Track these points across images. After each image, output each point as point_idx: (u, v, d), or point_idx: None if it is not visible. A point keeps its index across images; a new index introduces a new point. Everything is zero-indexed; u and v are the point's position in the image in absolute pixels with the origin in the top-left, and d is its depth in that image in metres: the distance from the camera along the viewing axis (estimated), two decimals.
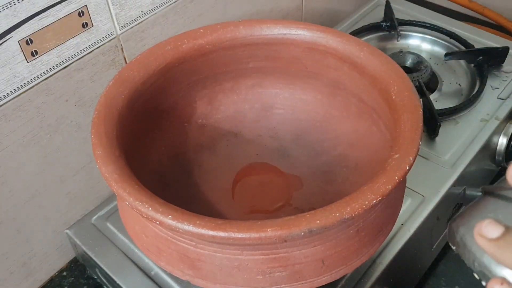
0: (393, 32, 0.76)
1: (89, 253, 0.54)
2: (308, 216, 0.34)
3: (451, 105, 0.64)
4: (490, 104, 0.65)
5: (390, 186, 0.36)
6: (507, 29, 0.84)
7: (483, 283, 0.28)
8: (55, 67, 0.48)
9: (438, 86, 0.69)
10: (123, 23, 0.52)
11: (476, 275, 0.29)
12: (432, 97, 0.67)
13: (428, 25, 0.75)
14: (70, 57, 0.49)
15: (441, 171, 0.58)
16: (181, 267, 0.40)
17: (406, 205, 0.55)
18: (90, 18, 0.49)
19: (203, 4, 0.60)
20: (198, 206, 0.50)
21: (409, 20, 0.77)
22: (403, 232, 0.53)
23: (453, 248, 0.29)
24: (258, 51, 0.51)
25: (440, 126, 0.62)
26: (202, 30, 0.49)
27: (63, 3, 0.46)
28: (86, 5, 0.48)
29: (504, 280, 0.24)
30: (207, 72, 0.52)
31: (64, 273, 0.59)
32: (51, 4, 0.45)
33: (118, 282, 0.51)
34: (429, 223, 0.55)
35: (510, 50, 0.70)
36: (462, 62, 0.72)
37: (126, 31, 0.53)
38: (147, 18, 0.55)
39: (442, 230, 0.59)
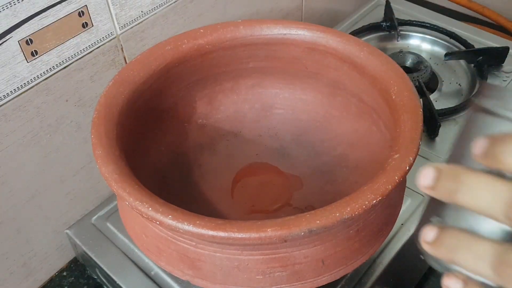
0: (393, 32, 0.76)
1: (89, 253, 0.54)
2: (308, 216, 0.34)
3: (451, 105, 0.64)
4: None
5: (390, 186, 0.36)
6: (507, 29, 0.84)
7: None
8: (55, 67, 0.48)
9: (438, 86, 0.69)
10: (123, 23, 0.52)
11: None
12: (432, 97, 0.67)
13: (428, 25, 0.75)
14: (70, 57, 0.49)
15: None
16: (181, 267, 0.40)
17: (406, 205, 0.55)
18: (90, 18, 0.49)
19: (203, 4, 0.60)
20: (198, 206, 0.50)
21: (409, 20, 0.77)
22: (403, 232, 0.53)
23: (422, 257, 0.30)
24: (258, 51, 0.51)
25: (440, 126, 0.62)
26: (202, 30, 0.49)
27: (63, 3, 0.46)
28: (86, 5, 0.48)
29: (450, 274, 0.26)
30: (207, 72, 0.52)
31: (64, 273, 0.59)
32: (51, 4, 0.45)
33: (118, 282, 0.51)
34: (429, 223, 0.55)
35: (510, 50, 0.70)
36: (462, 62, 0.72)
37: (126, 31, 0.53)
38: (147, 18, 0.55)
39: None
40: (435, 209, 0.29)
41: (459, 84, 0.69)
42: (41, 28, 0.45)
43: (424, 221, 0.30)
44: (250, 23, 0.50)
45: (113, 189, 0.37)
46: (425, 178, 0.26)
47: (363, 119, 0.51)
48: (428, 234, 0.27)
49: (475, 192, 0.24)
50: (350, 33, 0.64)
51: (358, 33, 0.75)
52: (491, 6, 0.85)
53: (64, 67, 0.49)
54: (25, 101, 0.47)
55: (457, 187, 0.25)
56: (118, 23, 0.52)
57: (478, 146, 0.25)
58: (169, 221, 0.34)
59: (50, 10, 0.45)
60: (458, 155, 0.27)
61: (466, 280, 0.26)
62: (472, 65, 0.70)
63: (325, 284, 0.40)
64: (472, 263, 0.25)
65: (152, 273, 0.51)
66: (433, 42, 0.75)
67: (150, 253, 0.42)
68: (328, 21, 0.85)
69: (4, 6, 0.42)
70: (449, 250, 0.26)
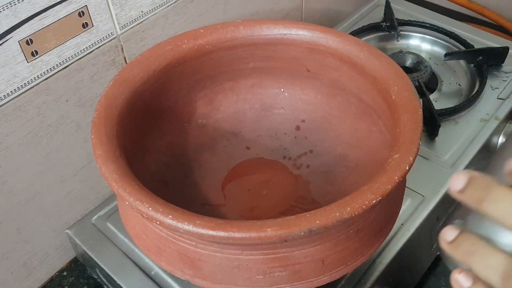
0: (393, 32, 0.76)
1: (89, 253, 0.54)
2: (308, 216, 0.34)
3: (451, 105, 0.64)
4: (490, 104, 0.65)
5: (390, 186, 0.36)
6: (507, 29, 0.84)
7: None
8: (55, 67, 0.48)
9: (438, 86, 0.69)
10: (123, 23, 0.52)
11: None
12: (432, 97, 0.67)
13: (428, 25, 0.75)
14: (70, 57, 0.49)
15: (441, 171, 0.58)
16: (181, 267, 0.40)
17: (406, 205, 0.55)
18: (90, 18, 0.49)
19: (203, 4, 0.61)
20: (198, 206, 0.50)
21: (409, 20, 0.77)
22: (403, 232, 0.53)
23: (439, 254, 0.32)
24: (258, 51, 0.51)
25: (440, 126, 0.62)
26: (202, 30, 0.49)
27: (63, 3, 0.46)
28: (86, 5, 0.48)
29: (462, 270, 0.28)
30: (207, 72, 0.52)
31: (65, 273, 0.59)
32: (51, 4, 0.45)
33: (118, 282, 0.51)
34: (429, 223, 0.55)
35: (510, 50, 0.70)
36: (462, 62, 0.72)
37: (126, 31, 0.53)
38: (147, 18, 0.55)
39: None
40: (460, 213, 0.31)
41: (459, 84, 0.69)
42: (41, 28, 0.45)
43: (448, 221, 0.32)
44: (250, 23, 0.50)
45: (113, 189, 0.37)
46: (456, 182, 0.28)
47: (363, 119, 0.51)
48: (449, 234, 0.29)
49: (499, 204, 0.26)
50: (350, 33, 0.64)
51: (358, 33, 0.75)
52: (491, 6, 0.85)
53: (64, 67, 0.49)
54: (26, 101, 0.47)
55: (485, 196, 0.27)
56: (118, 23, 0.52)
57: (509, 164, 0.27)
58: (169, 221, 0.34)
59: (50, 10, 0.45)
60: (493, 169, 0.29)
61: (476, 279, 0.28)
62: (472, 65, 0.70)
63: (325, 284, 0.40)
64: (483, 270, 0.27)
65: (152, 273, 0.51)
66: (433, 42, 0.75)
67: (150, 253, 0.42)
68: (328, 21, 0.85)
69: (4, 6, 0.42)
70: (465, 253, 0.28)
